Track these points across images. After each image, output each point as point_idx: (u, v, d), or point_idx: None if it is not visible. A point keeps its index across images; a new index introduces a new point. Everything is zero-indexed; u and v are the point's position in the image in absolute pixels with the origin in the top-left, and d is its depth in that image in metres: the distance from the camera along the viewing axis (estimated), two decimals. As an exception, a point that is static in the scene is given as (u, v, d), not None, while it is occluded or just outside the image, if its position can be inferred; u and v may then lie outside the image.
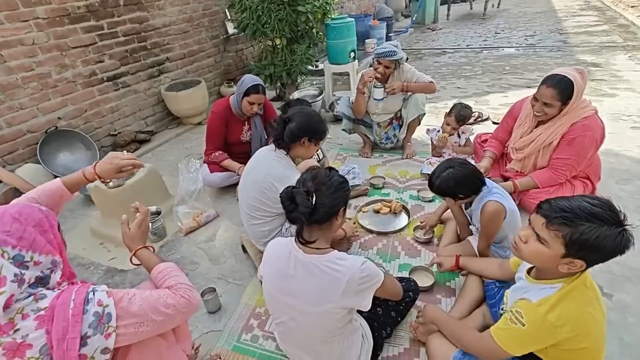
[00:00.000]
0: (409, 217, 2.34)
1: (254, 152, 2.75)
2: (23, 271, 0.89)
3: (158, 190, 2.60)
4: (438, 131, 2.67)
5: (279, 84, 4.71)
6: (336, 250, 1.25)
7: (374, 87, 2.72)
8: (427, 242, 2.12)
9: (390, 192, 2.65)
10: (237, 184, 2.76)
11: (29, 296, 0.89)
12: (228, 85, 4.82)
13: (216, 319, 1.80)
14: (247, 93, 2.50)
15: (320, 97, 3.81)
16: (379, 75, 2.72)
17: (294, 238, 1.29)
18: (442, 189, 1.66)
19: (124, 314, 0.95)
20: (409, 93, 2.86)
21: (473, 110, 2.59)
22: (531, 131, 2.21)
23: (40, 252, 0.93)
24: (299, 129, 1.71)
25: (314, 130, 1.75)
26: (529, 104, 2.15)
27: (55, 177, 3.07)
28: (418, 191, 2.58)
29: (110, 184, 2.33)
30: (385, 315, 1.52)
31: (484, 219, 1.65)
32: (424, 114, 2.99)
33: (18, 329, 0.85)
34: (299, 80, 4.83)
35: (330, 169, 1.32)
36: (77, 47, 3.26)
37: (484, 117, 3.56)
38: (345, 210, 1.30)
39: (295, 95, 3.89)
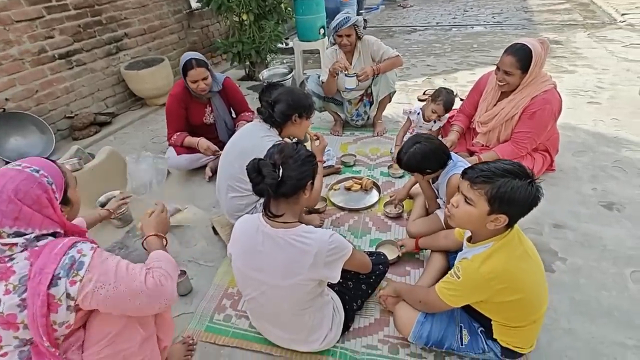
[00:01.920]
0: (379, 193, 2.38)
1: (220, 134, 2.73)
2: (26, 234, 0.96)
3: (120, 175, 2.48)
4: (418, 113, 2.65)
5: (247, 63, 4.56)
6: (303, 224, 1.25)
7: (346, 76, 2.67)
8: (397, 217, 2.17)
9: (361, 170, 2.67)
10: (205, 166, 2.71)
11: (28, 239, 0.95)
12: (194, 63, 4.60)
13: (187, 301, 1.78)
14: (184, 73, 2.39)
15: (290, 75, 3.73)
16: (348, 66, 2.67)
17: (261, 214, 1.29)
18: (410, 164, 1.68)
19: (93, 268, 0.96)
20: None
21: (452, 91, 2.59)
22: (495, 105, 2.27)
23: (40, 229, 0.97)
24: (288, 107, 1.73)
25: (302, 105, 1.78)
26: (494, 77, 2.21)
27: (6, 162, 2.91)
28: (388, 167, 2.61)
29: (68, 166, 2.19)
30: (356, 288, 1.55)
31: (449, 191, 1.69)
32: (395, 91, 3.00)
33: (13, 257, 0.93)
34: (268, 59, 4.69)
35: (297, 143, 1.32)
36: (22, 20, 2.99)
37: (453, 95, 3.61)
38: (312, 184, 1.30)
39: (265, 73, 3.78)
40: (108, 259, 1.01)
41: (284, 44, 5.03)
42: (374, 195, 2.37)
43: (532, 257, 1.19)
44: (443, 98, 2.52)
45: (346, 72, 2.66)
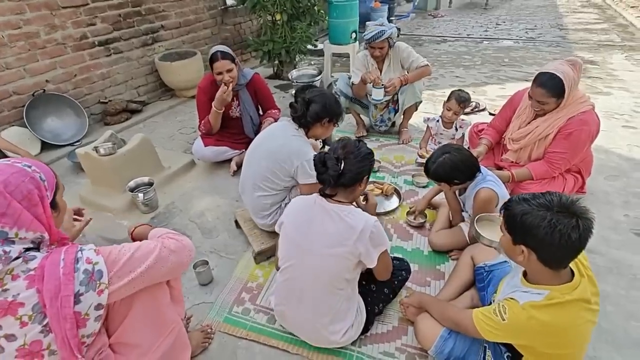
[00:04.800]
0: (400, 199, 2.37)
1: (246, 128, 2.76)
2: (8, 249, 0.85)
3: (150, 161, 2.54)
4: (437, 120, 2.66)
5: (276, 62, 4.62)
6: (353, 206, 1.36)
7: (374, 87, 2.68)
8: (420, 227, 2.15)
9: (385, 176, 2.66)
10: (230, 160, 2.75)
11: (17, 258, 0.87)
12: (224, 59, 4.68)
13: (207, 291, 1.81)
14: (211, 65, 2.45)
15: (319, 77, 3.75)
16: (378, 79, 2.65)
17: (317, 193, 1.41)
18: (438, 173, 1.67)
19: (114, 267, 0.95)
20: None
21: (471, 99, 2.59)
22: (529, 122, 2.23)
23: (27, 229, 0.89)
24: (322, 110, 1.77)
25: (335, 111, 1.83)
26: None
27: (43, 142, 3.03)
28: (412, 176, 2.59)
29: (102, 151, 2.27)
30: (379, 291, 1.55)
31: (476, 205, 1.68)
32: (421, 101, 2.99)
33: (8, 289, 0.84)
34: (297, 59, 4.74)
35: (359, 140, 1.43)
36: (68, 7, 3.11)
37: (481, 108, 3.57)
38: (368, 178, 1.44)
39: (294, 73, 3.81)
40: (120, 251, 0.98)
41: (314, 45, 5.07)
42: (394, 201, 2.37)
43: (589, 314, 1.06)
44: (455, 94, 2.52)
45: (374, 84, 2.67)
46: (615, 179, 2.51)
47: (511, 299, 1.12)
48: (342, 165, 1.32)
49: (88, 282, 0.90)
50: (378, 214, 2.24)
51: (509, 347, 1.24)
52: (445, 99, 2.67)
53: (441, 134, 2.69)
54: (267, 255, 1.95)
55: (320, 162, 1.35)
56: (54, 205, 0.98)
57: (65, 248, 0.93)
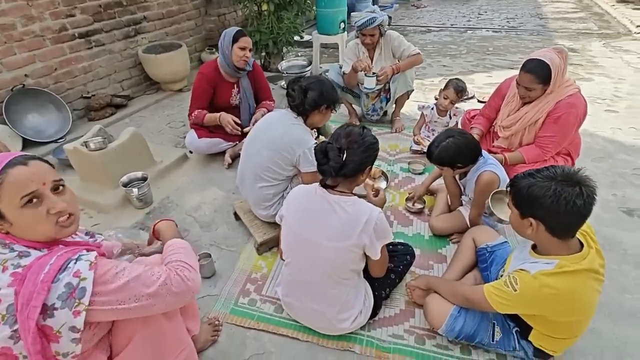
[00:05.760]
0: (387, 181, 2.42)
1: (243, 117, 2.72)
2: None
3: (142, 155, 2.47)
4: (432, 108, 2.69)
5: (264, 54, 4.55)
6: (356, 196, 1.32)
7: (366, 75, 2.68)
8: (419, 212, 2.18)
9: (380, 164, 2.67)
10: (224, 152, 2.71)
11: (11, 250, 0.84)
12: (210, 51, 4.58)
13: (211, 284, 1.78)
14: (235, 39, 2.43)
15: (309, 67, 3.72)
16: (369, 67, 2.66)
17: (317, 184, 1.35)
18: (442, 157, 1.69)
19: (103, 289, 0.85)
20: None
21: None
22: (518, 109, 2.28)
23: None
24: (319, 97, 1.75)
25: (332, 97, 1.81)
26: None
27: (25, 139, 2.89)
28: (409, 164, 2.62)
29: (92, 145, 2.19)
30: (385, 276, 1.55)
31: (478, 188, 1.71)
32: (413, 90, 3.01)
33: None
34: (284, 51, 4.68)
35: (364, 127, 1.36)
36: (45, -3, 2.96)
37: (470, 95, 3.62)
38: (371, 168, 1.38)
39: (284, 64, 3.76)
40: (117, 273, 0.88)
41: (300, 36, 5.02)
42: (382, 184, 2.42)
43: (596, 283, 1.11)
44: (453, 83, 2.55)
45: (366, 72, 2.67)
46: (601, 160, 2.60)
47: (521, 270, 1.16)
48: (345, 155, 1.26)
49: (67, 297, 0.81)
50: (365, 196, 2.29)
51: (518, 321, 1.29)
52: (442, 87, 2.70)
53: (435, 121, 2.72)
54: (269, 246, 1.93)
55: (321, 152, 1.27)
56: None
57: (61, 252, 0.87)
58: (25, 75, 2.95)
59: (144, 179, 2.31)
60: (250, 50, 2.49)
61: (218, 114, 2.53)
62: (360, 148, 1.28)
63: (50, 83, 3.14)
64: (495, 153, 2.41)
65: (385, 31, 2.79)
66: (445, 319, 1.34)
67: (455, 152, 1.66)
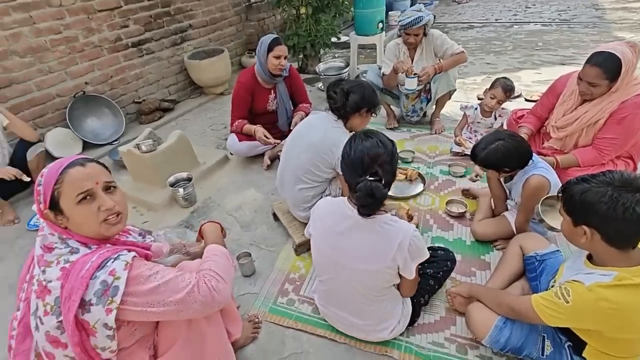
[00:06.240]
0: (424, 184, 2.38)
1: (280, 122, 2.79)
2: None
3: (187, 157, 2.61)
4: (476, 108, 2.58)
5: (301, 56, 4.61)
6: (389, 213, 1.27)
7: (406, 76, 2.63)
8: (460, 217, 2.11)
9: (420, 167, 2.61)
10: (263, 154, 2.78)
11: (66, 247, 0.93)
12: (249, 55, 4.73)
13: (251, 282, 1.84)
14: (270, 48, 2.48)
15: (347, 69, 3.72)
16: (411, 69, 2.60)
17: (346, 198, 1.31)
18: (489, 160, 1.61)
19: (135, 290, 0.89)
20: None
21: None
22: (575, 108, 2.12)
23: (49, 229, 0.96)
24: (361, 100, 1.75)
25: (373, 101, 1.80)
26: (575, 80, 2.05)
27: (84, 142, 3.15)
28: (449, 166, 2.53)
29: (143, 148, 2.35)
30: (424, 283, 1.52)
31: (526, 192, 1.62)
32: (455, 89, 2.91)
33: (46, 272, 0.89)
34: (321, 53, 4.72)
35: (369, 136, 1.26)
36: (103, 10, 3.21)
37: (516, 94, 3.44)
38: None
39: (321, 66, 3.79)
40: (150, 276, 0.92)
41: (337, 38, 5.03)
42: (418, 186, 2.37)
43: None
44: (500, 82, 2.43)
45: (407, 73, 2.61)
46: (668, 164, 2.35)
47: (574, 281, 1.08)
48: (384, 182, 1.19)
49: (101, 294, 0.86)
50: (400, 199, 2.27)
51: (570, 335, 1.20)
52: (486, 87, 2.58)
53: (478, 122, 2.61)
54: (307, 247, 1.96)
55: (368, 195, 1.15)
56: (56, 208, 0.93)
57: (103, 251, 0.93)
58: (86, 83, 3.22)
59: (189, 179, 2.43)
60: (285, 57, 2.53)
61: (253, 127, 2.61)
62: (392, 164, 1.24)
63: (107, 90, 3.39)
64: (545, 155, 2.28)
65: (429, 32, 2.72)
66: (490, 329, 1.29)
67: (504, 156, 1.58)
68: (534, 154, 1.67)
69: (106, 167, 1.04)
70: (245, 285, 1.82)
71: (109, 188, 1.00)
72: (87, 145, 3.19)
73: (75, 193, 0.93)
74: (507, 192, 1.84)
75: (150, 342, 1.07)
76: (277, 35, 2.53)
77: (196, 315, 1.01)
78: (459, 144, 2.62)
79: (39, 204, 0.94)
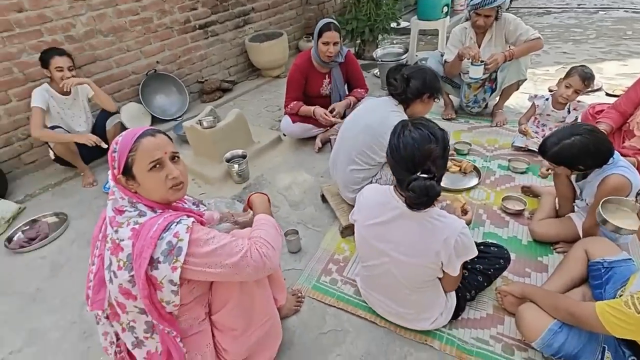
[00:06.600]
0: (479, 178, 2.27)
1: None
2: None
3: (244, 135, 2.73)
4: (547, 99, 2.37)
5: (359, 41, 4.54)
6: (437, 207, 1.23)
7: (472, 64, 2.45)
8: (517, 214, 1.98)
9: (475, 160, 2.49)
10: (315, 137, 2.82)
11: (135, 210, 1.02)
12: (307, 39, 4.75)
13: (297, 258, 1.91)
14: (319, 34, 2.47)
15: (405, 55, 3.59)
16: (478, 55, 2.43)
17: (392, 187, 1.28)
18: (562, 156, 1.48)
19: (195, 252, 0.96)
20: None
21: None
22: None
23: (120, 192, 1.04)
24: (422, 85, 1.71)
25: (435, 86, 1.75)
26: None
27: (153, 116, 3.42)
28: (509, 161, 2.38)
29: (205, 124, 2.49)
30: (472, 278, 1.47)
31: (602, 193, 1.47)
32: (525, 79, 2.69)
33: (118, 231, 0.98)
34: (379, 38, 4.61)
35: (443, 131, 1.22)
36: (175, -8, 3.41)
37: (596, 87, 3.10)
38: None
39: (379, 52, 3.70)
40: (207, 240, 0.99)
41: (397, 23, 4.87)
42: (472, 180, 2.27)
43: None
44: (578, 70, 2.19)
45: (473, 60, 2.44)
46: None
47: None
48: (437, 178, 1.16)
49: (167, 253, 0.94)
50: (452, 191, 2.20)
51: (635, 349, 1.11)
52: (561, 77, 2.35)
53: (548, 115, 2.40)
54: (353, 231, 1.94)
55: (424, 195, 1.10)
56: (129, 174, 1.00)
57: (167, 215, 1.01)
58: (157, 62, 3.47)
59: (244, 156, 2.54)
60: (335, 44, 2.48)
61: (312, 108, 2.64)
62: (444, 158, 1.19)
63: (175, 69, 3.63)
64: (626, 156, 2.05)
65: (501, 16, 2.53)
66: (543, 332, 1.21)
67: (580, 152, 1.43)
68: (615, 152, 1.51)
69: (171, 139, 1.12)
70: (290, 261, 1.89)
71: (174, 158, 1.08)
72: (154, 120, 3.45)
73: (148, 161, 1.00)
74: (578, 191, 1.69)
75: (205, 300, 1.17)
76: (329, 21, 2.50)
77: (248, 278, 1.08)
78: (523, 133, 2.43)
79: (113, 169, 1.02)
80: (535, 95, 2.45)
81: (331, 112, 2.65)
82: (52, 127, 2.48)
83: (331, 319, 1.58)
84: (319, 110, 2.61)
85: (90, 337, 1.62)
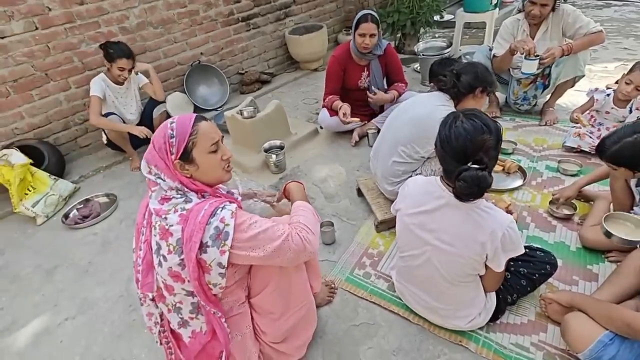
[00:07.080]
0: (524, 179, 2.16)
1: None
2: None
3: (282, 126, 2.77)
4: (608, 94, 2.20)
5: (399, 34, 4.45)
6: (485, 199, 1.19)
7: (525, 58, 2.30)
8: (566, 219, 1.87)
9: (521, 159, 2.37)
10: (352, 131, 2.81)
11: (182, 197, 1.04)
12: (346, 32, 4.72)
13: (331, 250, 1.92)
14: (357, 25, 2.44)
15: (448, 49, 3.47)
16: (533, 49, 2.27)
17: (439, 177, 1.27)
18: (623, 156, 1.37)
19: (240, 236, 1.00)
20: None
21: None
22: None
23: (164, 175, 1.03)
24: (475, 79, 1.66)
25: (488, 80, 1.69)
26: None
27: (195, 106, 3.56)
28: (559, 162, 2.24)
29: (245, 114, 2.56)
30: (514, 281, 1.41)
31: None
32: (583, 75, 2.52)
33: (167, 218, 1.01)
34: (421, 32, 4.48)
35: (496, 122, 1.18)
36: (220, -15, 3.50)
37: (662, 86, 2.83)
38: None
39: (421, 46, 3.60)
40: (251, 224, 1.02)
41: (440, 16, 4.71)
42: (517, 180, 2.17)
43: None
44: None
45: (527, 55, 2.29)
46: None
47: None
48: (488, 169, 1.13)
49: (215, 238, 0.97)
50: (494, 191, 2.11)
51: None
52: (624, 73, 2.17)
53: (607, 112, 2.23)
54: (388, 226, 1.96)
55: (475, 185, 1.08)
56: (188, 158, 1.02)
57: (213, 200, 1.03)
58: (201, 53, 3.59)
59: (281, 147, 2.58)
60: (372, 36, 2.44)
61: (340, 104, 2.61)
62: (497, 149, 1.16)
63: (217, 60, 3.74)
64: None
65: (559, 6, 2.37)
66: (592, 343, 1.14)
67: None
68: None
69: None
70: (324, 252, 1.91)
71: (221, 141, 1.12)
72: (196, 109, 3.58)
73: (209, 143, 1.04)
74: (637, 197, 1.57)
75: (245, 283, 1.21)
76: (368, 12, 2.46)
77: (289, 263, 1.10)
78: (575, 122, 2.27)
79: (169, 155, 1.01)
80: (596, 89, 2.26)
81: (373, 94, 2.62)
82: (107, 114, 2.64)
83: (363, 312, 1.58)
84: (345, 108, 2.57)
85: (134, 311, 1.73)
